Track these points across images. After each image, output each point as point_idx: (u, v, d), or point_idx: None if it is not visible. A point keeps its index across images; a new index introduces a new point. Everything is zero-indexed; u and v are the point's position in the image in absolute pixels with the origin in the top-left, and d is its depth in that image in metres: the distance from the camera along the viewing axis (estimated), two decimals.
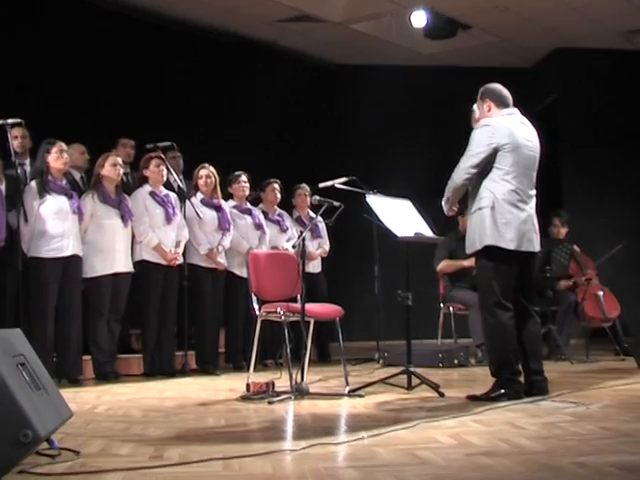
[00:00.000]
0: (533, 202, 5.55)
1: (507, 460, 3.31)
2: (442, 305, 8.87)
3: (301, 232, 6.39)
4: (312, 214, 8.92)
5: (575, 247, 8.97)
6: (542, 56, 11.98)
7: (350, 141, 11.74)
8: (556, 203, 10.61)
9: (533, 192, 5.56)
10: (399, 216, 6.12)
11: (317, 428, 4.42)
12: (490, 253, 5.38)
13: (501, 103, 5.56)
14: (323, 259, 9.23)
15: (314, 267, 9.00)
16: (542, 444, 3.68)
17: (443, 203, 5.66)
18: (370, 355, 8.83)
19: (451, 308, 8.75)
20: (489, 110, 5.58)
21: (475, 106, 5.75)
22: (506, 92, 5.62)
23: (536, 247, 5.53)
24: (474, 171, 5.41)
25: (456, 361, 8.17)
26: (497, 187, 5.38)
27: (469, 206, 5.57)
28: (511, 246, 5.33)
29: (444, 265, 8.71)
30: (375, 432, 4.06)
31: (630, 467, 3.12)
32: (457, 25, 10.88)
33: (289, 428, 4.59)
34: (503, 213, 5.34)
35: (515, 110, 5.59)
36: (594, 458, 3.30)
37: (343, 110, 11.90)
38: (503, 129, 5.40)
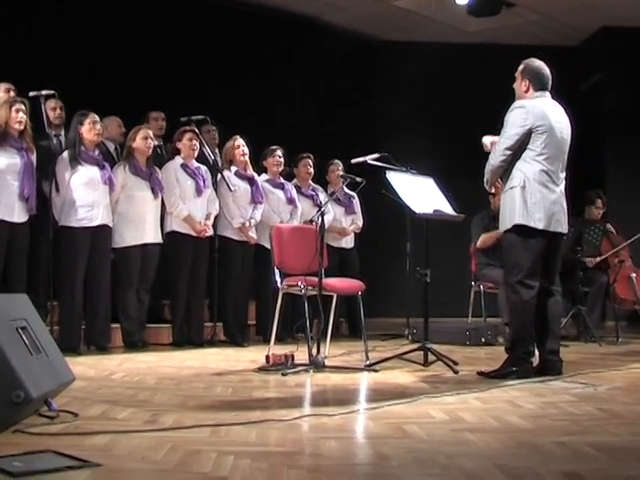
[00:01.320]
0: (563, 184, 5.59)
1: (489, 437, 3.36)
2: (473, 283, 8.87)
3: (319, 206, 6.44)
4: (346, 190, 8.96)
5: (609, 226, 8.91)
6: (588, 35, 11.79)
7: (388, 117, 11.70)
8: (598, 184, 10.50)
9: (563, 174, 5.60)
10: (419, 193, 6.15)
11: (318, 400, 4.51)
12: (519, 231, 5.42)
13: (539, 85, 5.56)
14: (357, 235, 9.28)
15: (347, 242, 9.06)
16: (531, 423, 3.72)
17: (485, 184, 5.69)
18: (400, 331, 8.87)
19: (482, 286, 8.74)
20: (526, 91, 5.58)
21: (514, 84, 5.69)
22: (547, 73, 5.60)
23: (564, 228, 5.56)
24: (509, 152, 5.45)
25: (483, 339, 8.17)
26: (528, 167, 5.41)
27: (502, 185, 5.61)
28: (540, 226, 5.37)
29: (483, 238, 8.65)
30: (373, 405, 4.13)
31: (607, 448, 3.14)
32: (501, 3, 10.77)
33: (291, 399, 4.66)
34: (533, 193, 5.37)
35: (547, 94, 5.59)
36: (576, 438, 3.33)
37: (384, 86, 11.86)
38: (537, 111, 5.42)
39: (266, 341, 8.03)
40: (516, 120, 5.44)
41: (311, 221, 6.30)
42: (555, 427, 3.61)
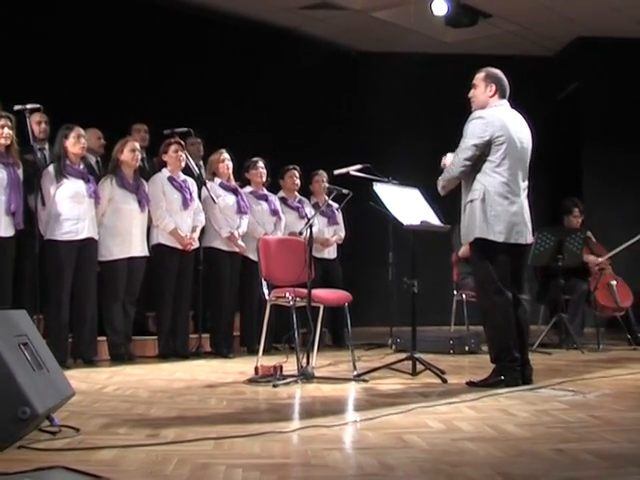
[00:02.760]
0: (525, 194, 5.62)
1: (489, 445, 3.41)
2: (455, 292, 8.95)
3: (308, 219, 6.49)
4: (330, 201, 9.01)
5: (589, 234, 9.03)
6: (564, 45, 11.97)
7: (369, 128, 11.79)
8: (575, 192, 10.63)
9: (525, 183, 5.62)
10: (406, 204, 6.22)
11: (314, 411, 4.55)
12: (481, 245, 5.47)
13: (502, 92, 5.61)
14: (339, 245, 9.33)
15: (329, 253, 9.12)
16: (528, 431, 3.78)
17: (440, 189, 5.75)
18: (384, 340, 8.93)
19: (464, 295, 8.81)
20: (492, 95, 5.60)
21: (472, 92, 5.71)
22: (506, 81, 5.65)
23: (527, 239, 5.60)
24: (469, 163, 5.49)
25: (467, 348, 8.26)
26: (488, 179, 5.45)
27: (463, 197, 5.65)
28: (500, 238, 5.41)
29: (465, 248, 8.70)
30: (369, 416, 4.18)
31: (606, 454, 3.21)
32: (478, 13, 10.89)
33: (286, 410, 4.71)
34: (493, 205, 5.41)
35: (505, 102, 5.64)
36: (574, 445, 3.40)
37: (363, 97, 11.96)
38: (496, 121, 5.46)
39: (251, 352, 8.11)
40: (475, 131, 5.47)
41: (300, 233, 6.32)
42: (552, 435, 3.67)
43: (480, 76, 5.65)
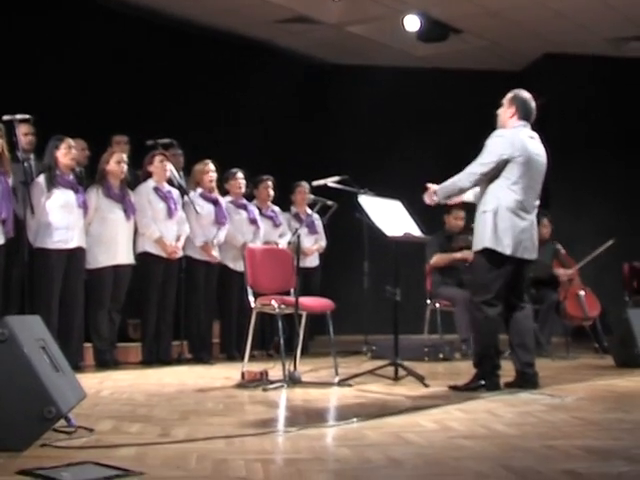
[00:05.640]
0: (535, 211, 5.87)
1: (484, 442, 3.66)
2: (429, 301, 9.16)
3: (296, 229, 6.70)
4: (309, 211, 9.21)
5: (559, 246, 9.32)
6: (531, 60, 12.30)
7: (343, 140, 12.06)
8: (543, 205, 10.88)
9: (537, 202, 5.88)
10: (389, 216, 6.43)
11: (310, 413, 4.74)
12: (489, 255, 5.71)
13: (524, 115, 5.82)
14: (320, 254, 9.54)
15: (311, 262, 9.30)
16: (517, 429, 4.02)
17: (441, 198, 5.96)
18: (358, 348, 9.15)
19: (438, 304, 9.02)
20: (511, 117, 5.84)
21: (500, 110, 5.94)
22: (533, 106, 5.86)
23: (532, 255, 5.84)
24: (483, 178, 5.73)
25: (441, 355, 8.49)
26: (503, 195, 5.67)
27: (477, 207, 5.88)
28: (507, 251, 5.65)
29: (437, 258, 8.98)
30: (364, 417, 4.39)
31: (594, 450, 3.46)
32: (449, 29, 11.20)
33: (283, 412, 4.94)
34: (504, 219, 5.65)
35: (526, 123, 5.86)
36: (562, 442, 3.65)
37: (337, 109, 12.22)
38: (517, 142, 5.69)
39: (230, 359, 8.27)
40: (495, 149, 5.70)
41: (289, 243, 6.53)
42: (540, 433, 3.92)
43: (508, 96, 5.90)
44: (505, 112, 5.88)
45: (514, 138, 5.71)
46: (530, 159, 5.72)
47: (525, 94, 5.89)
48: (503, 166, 5.68)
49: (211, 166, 8.34)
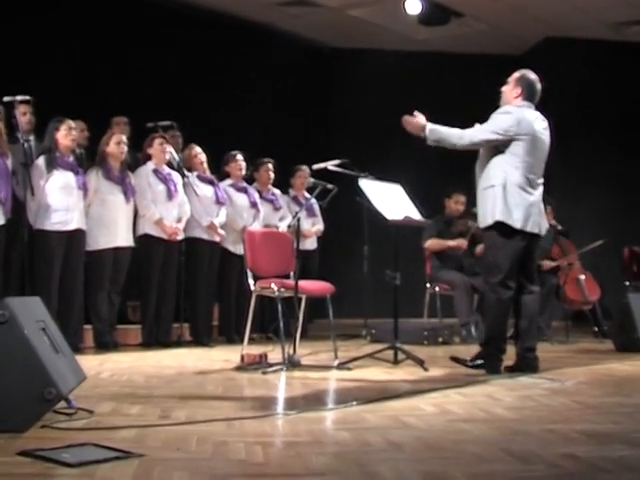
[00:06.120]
0: (540, 189, 5.87)
1: (483, 426, 3.67)
2: (429, 285, 9.17)
3: (296, 212, 6.70)
4: (308, 195, 9.20)
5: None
6: (532, 44, 12.25)
7: (343, 123, 12.05)
8: (544, 189, 10.89)
9: (541, 180, 5.88)
10: (389, 200, 6.43)
11: (309, 396, 4.76)
12: (500, 229, 5.69)
13: (530, 97, 5.83)
14: (318, 237, 9.54)
15: (309, 244, 9.29)
16: (516, 413, 4.03)
17: (432, 140, 5.90)
18: (357, 332, 9.17)
19: (437, 288, 9.04)
20: (517, 97, 5.84)
21: (504, 87, 5.93)
22: (539, 88, 5.87)
23: (542, 230, 5.85)
24: (483, 145, 5.77)
25: (440, 339, 8.52)
26: (510, 170, 5.67)
27: (479, 182, 5.87)
28: (518, 225, 5.65)
29: (431, 242, 8.99)
30: (363, 400, 4.40)
31: (593, 434, 3.47)
32: (450, 13, 11.17)
33: (283, 395, 4.95)
34: (513, 194, 5.64)
35: (533, 106, 5.85)
36: (562, 426, 3.66)
37: (337, 92, 12.19)
38: (525, 121, 5.69)
39: (229, 341, 8.29)
40: (501, 124, 5.71)
41: (289, 226, 6.53)
42: (539, 417, 3.93)
43: (515, 76, 5.89)
44: (511, 91, 5.87)
45: (521, 116, 5.71)
46: (536, 138, 5.73)
47: (532, 75, 5.88)
48: (508, 142, 5.68)
49: (197, 149, 8.40)
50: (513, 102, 5.83)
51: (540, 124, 5.83)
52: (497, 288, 5.73)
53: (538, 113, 5.88)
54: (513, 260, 5.73)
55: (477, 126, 5.83)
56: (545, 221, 5.92)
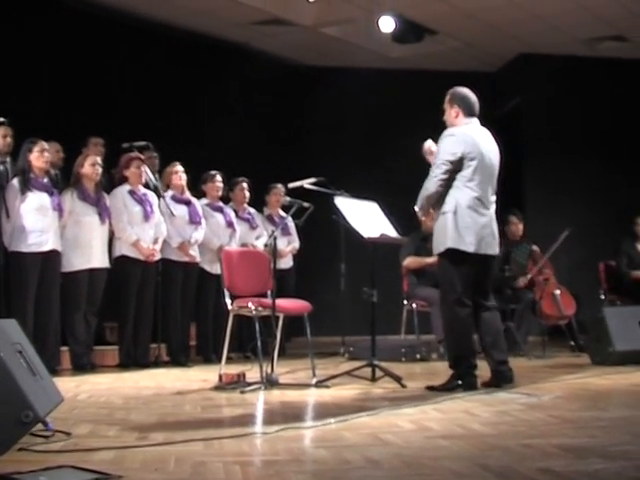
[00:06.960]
0: (493, 207, 5.92)
1: (461, 442, 3.68)
2: (406, 302, 9.19)
3: (272, 231, 6.71)
4: (283, 213, 9.22)
5: (534, 247, 9.37)
6: (506, 61, 12.38)
7: (319, 141, 12.10)
8: (517, 205, 10.99)
9: (494, 198, 5.93)
10: (366, 217, 6.45)
11: (287, 414, 4.75)
12: (451, 255, 5.74)
13: (468, 111, 5.88)
14: (294, 256, 9.54)
15: (285, 263, 9.28)
16: (493, 429, 4.05)
17: (417, 209, 6.00)
18: (335, 349, 9.16)
19: (414, 305, 9.05)
20: (456, 117, 5.88)
21: (445, 115, 5.99)
22: (474, 98, 5.91)
23: (495, 250, 5.90)
24: (445, 177, 5.73)
25: (418, 355, 8.52)
26: (459, 193, 5.72)
27: (435, 210, 5.89)
28: (470, 249, 5.69)
29: (409, 260, 9.02)
30: (341, 418, 4.41)
31: (570, 448, 3.49)
32: (423, 30, 11.25)
33: (261, 414, 4.95)
34: (464, 217, 5.68)
35: (475, 119, 5.92)
36: (539, 440, 3.68)
37: (313, 111, 12.23)
38: (467, 138, 5.74)
39: (207, 361, 8.27)
40: (447, 148, 5.74)
41: (265, 245, 6.54)
42: (516, 432, 3.95)
43: (446, 99, 5.94)
44: (450, 114, 5.92)
45: (464, 135, 5.75)
46: (482, 154, 5.76)
47: (462, 89, 5.93)
48: (459, 164, 5.71)
49: (179, 167, 8.37)
50: (457, 123, 5.86)
51: (484, 139, 5.87)
52: (454, 307, 5.76)
53: (482, 128, 5.92)
54: (467, 281, 5.76)
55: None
56: (497, 240, 5.92)
